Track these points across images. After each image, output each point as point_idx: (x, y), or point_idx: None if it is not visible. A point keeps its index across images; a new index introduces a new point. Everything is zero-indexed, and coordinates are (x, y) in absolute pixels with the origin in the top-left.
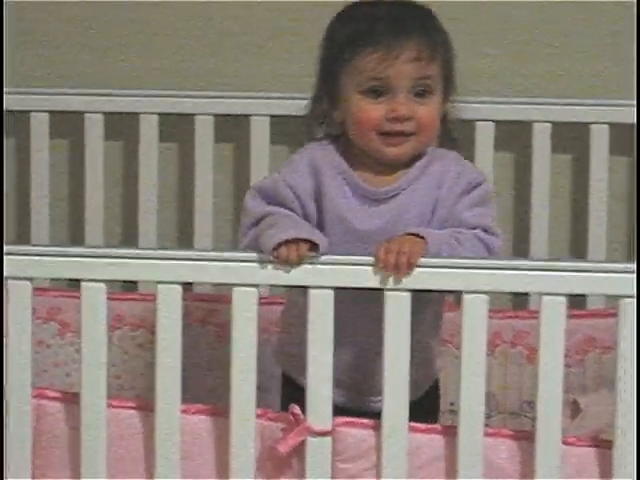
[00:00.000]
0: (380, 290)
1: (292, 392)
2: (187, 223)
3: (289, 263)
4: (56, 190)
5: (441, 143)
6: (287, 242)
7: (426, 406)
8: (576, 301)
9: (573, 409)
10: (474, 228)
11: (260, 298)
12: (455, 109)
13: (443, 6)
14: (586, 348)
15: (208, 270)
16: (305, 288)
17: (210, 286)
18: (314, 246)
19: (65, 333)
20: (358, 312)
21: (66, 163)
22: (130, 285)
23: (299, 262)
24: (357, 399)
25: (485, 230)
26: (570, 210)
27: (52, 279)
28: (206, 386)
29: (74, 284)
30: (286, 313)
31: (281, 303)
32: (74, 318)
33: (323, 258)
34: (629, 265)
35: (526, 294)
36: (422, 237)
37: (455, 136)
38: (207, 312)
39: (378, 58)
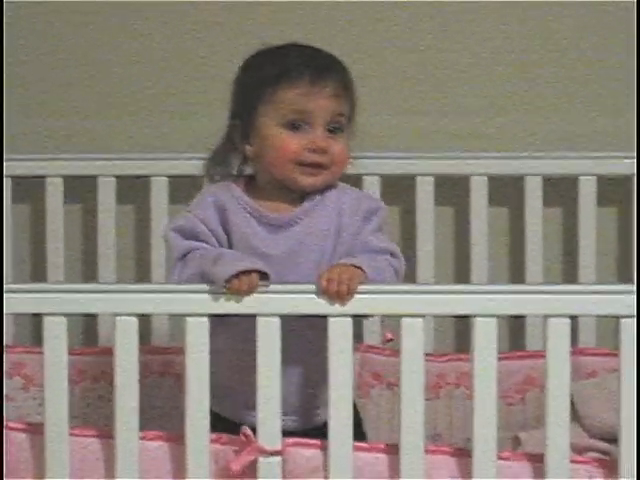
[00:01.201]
0: (324, 317)
1: (215, 422)
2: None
3: (241, 293)
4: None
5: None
6: (238, 274)
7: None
8: (516, 343)
9: (514, 444)
10: (382, 252)
11: None
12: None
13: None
14: (526, 387)
15: (162, 302)
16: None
17: (167, 339)
18: (262, 276)
19: (29, 387)
20: (301, 339)
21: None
22: (90, 339)
23: (250, 292)
24: (303, 420)
25: (391, 254)
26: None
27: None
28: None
29: (37, 340)
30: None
31: None
32: (38, 373)
33: (270, 287)
34: (629, 286)
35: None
36: (358, 266)
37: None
38: (165, 364)
39: (300, 92)
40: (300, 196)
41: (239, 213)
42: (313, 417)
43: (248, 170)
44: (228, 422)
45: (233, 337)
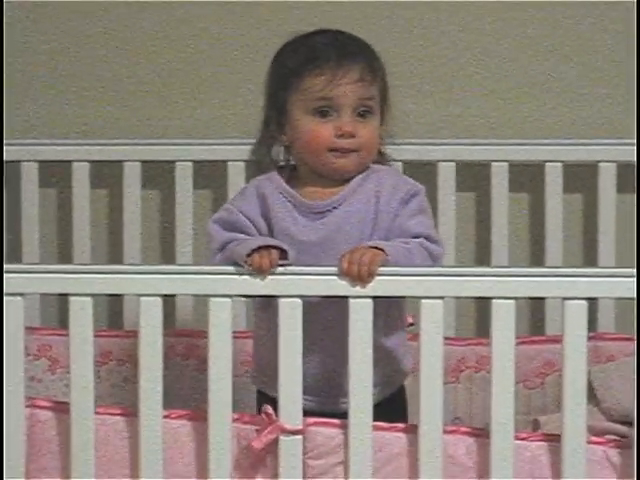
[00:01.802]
0: (345, 297)
1: (265, 403)
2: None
3: (262, 269)
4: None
5: (376, 160)
6: (259, 250)
7: (390, 411)
8: (536, 328)
9: (534, 427)
10: (417, 237)
11: (239, 332)
12: (387, 131)
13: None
14: (546, 371)
15: (186, 282)
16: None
17: (192, 322)
18: (283, 255)
19: (55, 369)
20: (323, 320)
21: (54, 205)
22: (115, 322)
23: (271, 268)
24: (327, 402)
25: (427, 238)
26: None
27: (42, 294)
28: None
29: (64, 322)
30: (255, 337)
31: None
32: (64, 355)
33: (291, 269)
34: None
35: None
36: (380, 249)
37: (385, 152)
38: (188, 347)
39: (325, 80)
40: (340, 182)
41: (280, 202)
42: (338, 403)
43: (291, 159)
44: (275, 401)
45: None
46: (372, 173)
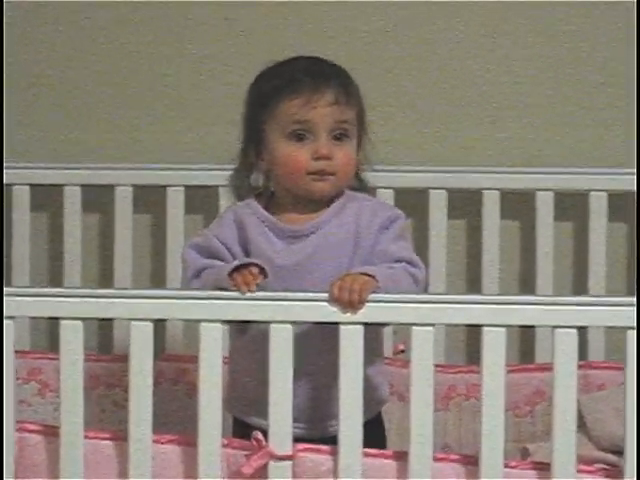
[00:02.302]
0: (335, 324)
1: (242, 430)
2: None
3: (246, 282)
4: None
5: (352, 186)
6: (238, 269)
7: (368, 437)
8: (526, 356)
9: (523, 455)
10: (400, 261)
11: (227, 357)
12: (365, 156)
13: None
14: (535, 400)
15: (178, 307)
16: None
17: (181, 347)
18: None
19: (45, 393)
20: (312, 348)
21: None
22: (105, 347)
23: (253, 283)
24: (316, 428)
25: (409, 262)
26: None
27: (31, 318)
28: None
29: (54, 346)
30: (230, 363)
31: None
32: (53, 378)
33: (283, 294)
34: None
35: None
36: (371, 275)
37: (364, 179)
38: (178, 371)
39: (300, 103)
40: (318, 207)
41: (257, 228)
42: (326, 427)
43: (270, 184)
44: (252, 428)
45: (254, 345)
46: (352, 199)
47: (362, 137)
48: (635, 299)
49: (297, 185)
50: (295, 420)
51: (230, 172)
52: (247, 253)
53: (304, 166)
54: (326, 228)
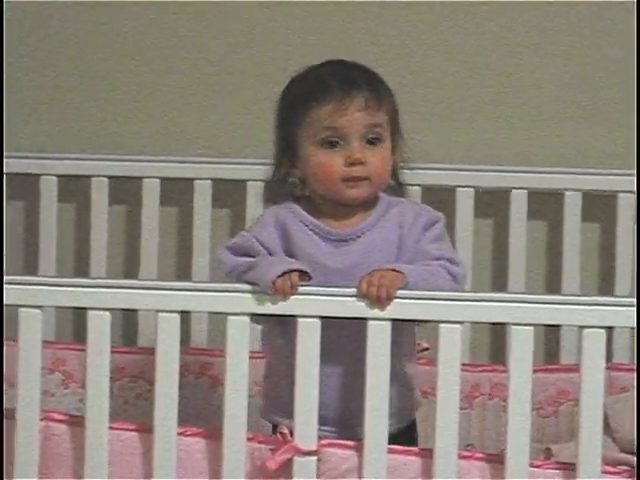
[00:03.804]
0: (363, 319)
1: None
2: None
3: (285, 293)
4: (64, 244)
5: (391, 188)
6: (280, 276)
7: (403, 442)
8: (551, 357)
9: (546, 455)
10: (439, 259)
11: (253, 352)
12: (401, 157)
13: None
14: (560, 400)
15: (205, 300)
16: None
17: (205, 340)
18: (302, 276)
19: (69, 383)
20: (342, 345)
21: (73, 219)
22: (129, 339)
23: (292, 290)
24: (345, 432)
25: (449, 260)
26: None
27: (58, 308)
28: None
29: (78, 337)
30: (267, 366)
31: None
32: (77, 369)
33: (311, 289)
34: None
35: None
36: (399, 271)
37: (402, 181)
38: (202, 365)
39: (330, 109)
40: (357, 211)
41: (302, 231)
42: (355, 432)
43: (306, 191)
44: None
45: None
46: (393, 204)
47: (396, 138)
48: (635, 299)
49: (331, 191)
50: (324, 423)
51: (265, 182)
52: (291, 255)
53: (337, 173)
54: (372, 231)
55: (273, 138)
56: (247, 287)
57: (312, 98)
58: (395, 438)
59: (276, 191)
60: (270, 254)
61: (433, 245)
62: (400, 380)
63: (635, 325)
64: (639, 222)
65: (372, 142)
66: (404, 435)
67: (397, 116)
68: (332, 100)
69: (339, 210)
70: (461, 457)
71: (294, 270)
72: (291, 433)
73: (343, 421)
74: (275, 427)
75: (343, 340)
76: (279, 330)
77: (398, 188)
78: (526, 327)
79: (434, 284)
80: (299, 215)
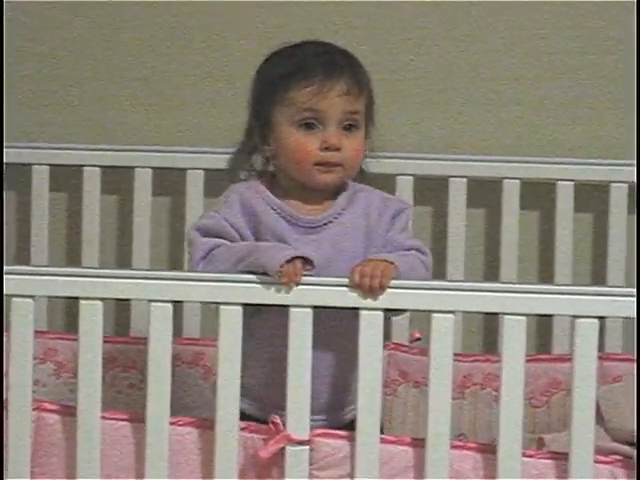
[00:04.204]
0: (355, 309)
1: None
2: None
3: (292, 279)
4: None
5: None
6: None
7: None
8: (542, 347)
9: (539, 445)
10: (410, 249)
11: None
12: (371, 146)
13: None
14: (552, 390)
15: (198, 289)
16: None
17: (198, 330)
18: (304, 264)
19: (60, 373)
20: (332, 333)
21: (65, 209)
22: (122, 329)
23: (296, 278)
24: (333, 419)
25: (419, 250)
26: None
27: (50, 297)
28: None
29: (70, 327)
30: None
31: None
32: (69, 359)
33: (303, 279)
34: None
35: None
36: (390, 261)
37: (365, 169)
38: (195, 354)
39: (312, 91)
40: (323, 196)
41: (269, 214)
42: (342, 415)
43: (270, 168)
44: (261, 423)
45: (267, 334)
46: (359, 191)
47: (369, 127)
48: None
49: (303, 174)
50: (313, 412)
51: (231, 153)
52: (259, 237)
53: (312, 156)
54: (340, 219)
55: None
56: (240, 277)
57: (293, 78)
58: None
59: (239, 164)
60: (241, 237)
61: (403, 234)
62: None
63: (635, 315)
64: (639, 213)
65: (348, 128)
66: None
67: (373, 104)
68: (314, 82)
69: (305, 193)
70: (453, 447)
71: (299, 257)
72: (283, 423)
73: (331, 408)
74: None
75: (333, 328)
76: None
77: (363, 177)
78: (518, 317)
79: (416, 274)
80: (264, 196)
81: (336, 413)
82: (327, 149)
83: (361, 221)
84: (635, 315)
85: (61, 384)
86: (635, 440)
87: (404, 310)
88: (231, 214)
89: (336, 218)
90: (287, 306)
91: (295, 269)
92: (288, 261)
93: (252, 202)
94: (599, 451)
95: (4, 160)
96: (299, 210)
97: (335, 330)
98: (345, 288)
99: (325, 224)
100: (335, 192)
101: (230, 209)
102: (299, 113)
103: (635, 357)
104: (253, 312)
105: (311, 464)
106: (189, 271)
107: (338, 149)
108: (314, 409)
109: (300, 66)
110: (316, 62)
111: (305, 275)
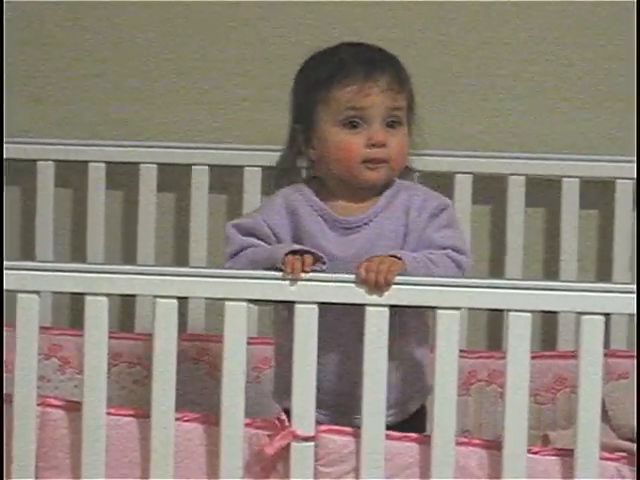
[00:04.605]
0: (361, 305)
1: None
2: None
3: (296, 271)
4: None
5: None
6: (293, 254)
7: (412, 430)
8: (548, 344)
9: (543, 442)
10: (444, 248)
11: (250, 338)
12: (412, 142)
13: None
14: (557, 387)
15: (204, 285)
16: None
17: (203, 326)
18: (317, 263)
19: (65, 369)
20: (340, 332)
21: (70, 205)
22: (127, 325)
23: (303, 272)
24: (341, 417)
25: (454, 249)
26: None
27: (55, 293)
28: None
29: (75, 323)
30: (277, 350)
31: (270, 343)
32: (74, 355)
33: (308, 275)
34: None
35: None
36: (398, 257)
37: (412, 166)
38: (200, 350)
39: (354, 90)
40: (369, 195)
41: (310, 216)
42: (352, 420)
43: (315, 172)
44: None
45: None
46: (402, 189)
47: (411, 123)
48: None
49: (350, 173)
50: (321, 407)
51: (278, 156)
52: (298, 240)
53: (358, 154)
54: (379, 220)
55: (287, 121)
56: (245, 273)
57: (334, 78)
58: (401, 427)
59: (285, 172)
60: (278, 239)
61: (439, 233)
62: (403, 364)
63: (635, 312)
64: (639, 209)
65: (391, 125)
66: (410, 424)
67: (414, 101)
68: (356, 81)
69: (350, 193)
70: (459, 443)
71: (309, 253)
72: (289, 419)
73: (339, 405)
74: (286, 411)
75: (340, 324)
76: (288, 314)
77: (407, 174)
78: (524, 313)
79: (434, 272)
80: (309, 199)
81: (345, 414)
82: (373, 146)
83: (400, 220)
84: (635, 311)
85: (66, 380)
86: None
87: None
88: (271, 215)
89: (375, 217)
90: (292, 302)
91: (297, 261)
92: (295, 254)
93: (296, 204)
94: (604, 448)
95: (7, 156)
96: (345, 210)
97: (343, 325)
98: (350, 284)
99: (364, 224)
100: (380, 190)
101: (272, 212)
102: (342, 112)
103: (635, 354)
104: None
105: (316, 460)
106: (194, 267)
107: (384, 145)
108: (320, 403)
109: (341, 66)
110: (356, 61)
111: (314, 271)
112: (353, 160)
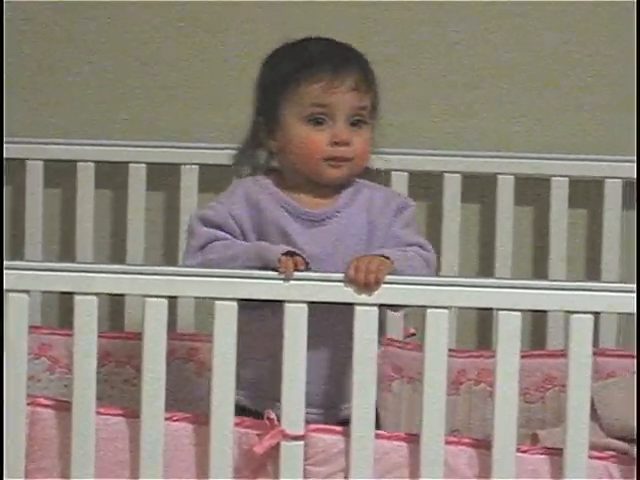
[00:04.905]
0: (350, 305)
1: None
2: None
3: (289, 271)
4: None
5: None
6: (286, 254)
7: None
8: (537, 342)
9: (533, 441)
10: (412, 245)
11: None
12: (374, 143)
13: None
14: (546, 386)
15: (193, 285)
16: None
17: (192, 326)
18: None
19: (55, 369)
20: (328, 328)
21: (59, 204)
22: (116, 324)
23: (297, 271)
24: (329, 413)
25: (421, 246)
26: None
27: (45, 292)
28: None
29: (64, 322)
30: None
31: None
32: (64, 355)
33: (298, 274)
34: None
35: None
36: (386, 257)
37: (370, 165)
38: (189, 350)
39: (321, 87)
40: (330, 191)
41: (274, 208)
42: (338, 412)
43: (275, 164)
44: (256, 414)
45: (265, 330)
46: (363, 187)
47: (375, 122)
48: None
49: (311, 169)
50: (309, 405)
51: (236, 149)
52: (264, 233)
53: (321, 151)
54: (344, 215)
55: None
56: (235, 272)
57: (302, 74)
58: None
59: (244, 161)
60: (242, 231)
61: (405, 230)
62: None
63: (635, 312)
64: (639, 210)
65: (356, 124)
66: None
67: (378, 101)
68: (324, 77)
69: (311, 188)
70: (448, 443)
71: (297, 255)
72: (278, 418)
73: (327, 402)
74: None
75: (329, 323)
76: (254, 314)
77: (367, 173)
78: (513, 312)
79: (414, 270)
80: (271, 191)
81: (331, 408)
82: (337, 144)
83: (363, 217)
84: (635, 311)
85: (56, 379)
86: (631, 436)
87: (404, 306)
88: (235, 207)
89: (339, 212)
90: (282, 301)
91: (292, 263)
92: (286, 255)
93: (257, 196)
94: (593, 447)
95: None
96: (306, 203)
97: (332, 323)
98: (340, 283)
99: (328, 218)
100: (340, 187)
101: (234, 202)
102: (308, 108)
103: (635, 354)
104: (255, 306)
105: (306, 459)
106: (184, 266)
107: (348, 144)
108: (310, 403)
109: (309, 62)
110: (325, 57)
111: (298, 271)
112: (316, 157)
